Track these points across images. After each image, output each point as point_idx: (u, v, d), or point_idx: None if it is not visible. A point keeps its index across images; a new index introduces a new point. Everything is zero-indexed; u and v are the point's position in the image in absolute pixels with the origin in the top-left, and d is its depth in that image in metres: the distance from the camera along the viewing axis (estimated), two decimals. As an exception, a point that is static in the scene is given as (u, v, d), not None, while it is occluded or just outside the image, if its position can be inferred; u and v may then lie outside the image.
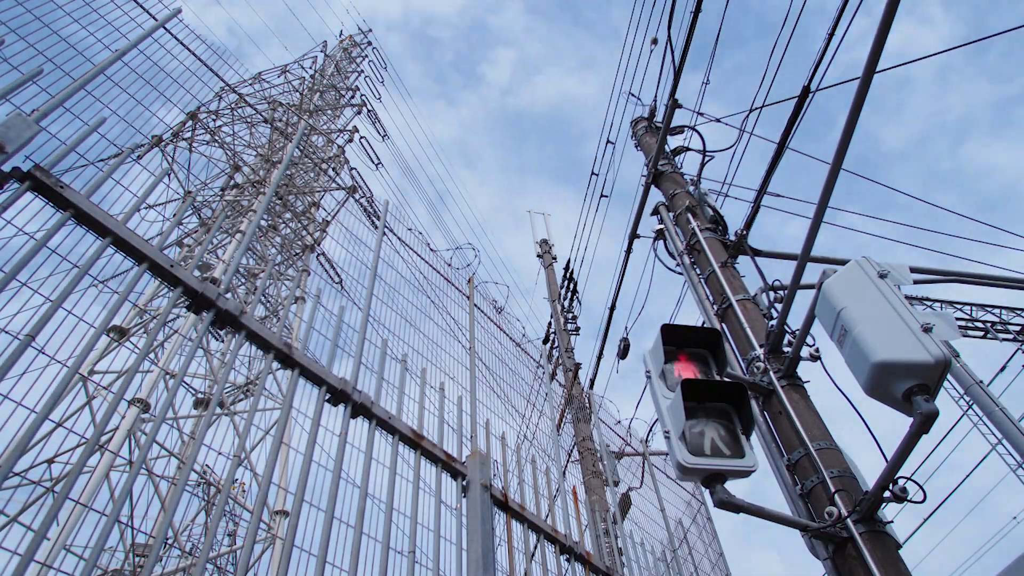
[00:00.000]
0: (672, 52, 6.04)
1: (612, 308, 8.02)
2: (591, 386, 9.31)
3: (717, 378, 3.81)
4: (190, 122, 12.43)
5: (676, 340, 3.92)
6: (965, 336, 11.14)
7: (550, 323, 11.10)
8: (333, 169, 15.53)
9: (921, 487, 2.93)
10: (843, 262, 3.37)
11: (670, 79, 6.21)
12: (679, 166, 6.53)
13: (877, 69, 3.08)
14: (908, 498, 2.93)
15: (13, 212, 1.95)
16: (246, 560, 2.32)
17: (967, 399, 8.20)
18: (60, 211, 2.07)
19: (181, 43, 8.08)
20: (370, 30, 26.13)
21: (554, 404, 9.33)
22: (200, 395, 10.79)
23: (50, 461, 8.41)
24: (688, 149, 6.62)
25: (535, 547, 3.38)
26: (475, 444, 3.51)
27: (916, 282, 4.76)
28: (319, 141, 17.01)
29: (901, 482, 2.94)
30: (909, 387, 2.71)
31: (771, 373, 4.06)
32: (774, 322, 4.11)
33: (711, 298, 5.02)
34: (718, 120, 6.50)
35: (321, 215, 14.89)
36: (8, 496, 7.70)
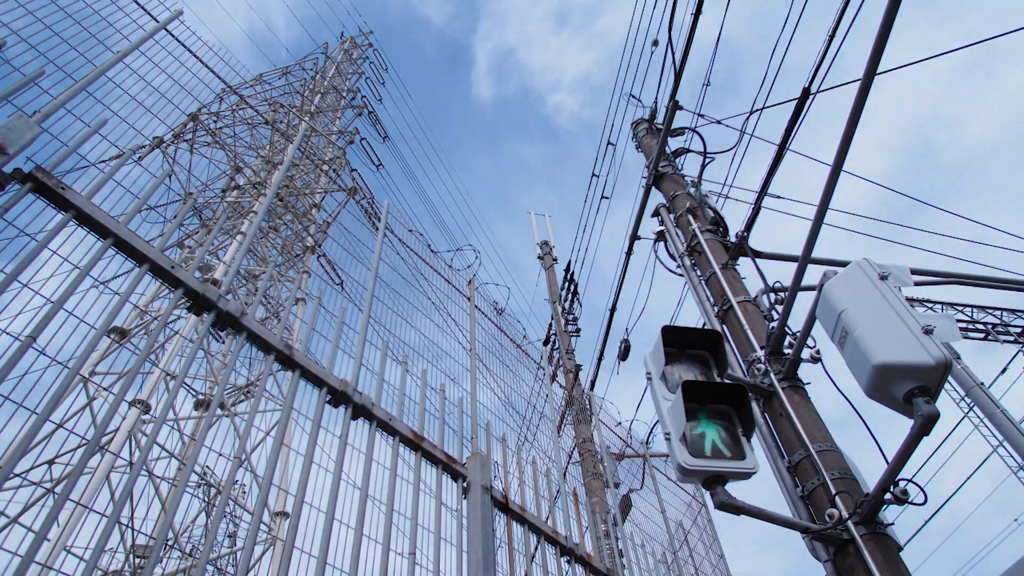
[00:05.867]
0: (673, 54, 6.04)
1: (612, 310, 8.02)
2: (591, 388, 9.31)
3: (718, 380, 3.81)
4: (191, 123, 12.44)
5: (677, 342, 3.91)
6: (966, 338, 11.14)
7: (551, 324, 11.10)
8: (334, 170, 15.54)
9: (922, 489, 2.93)
10: (844, 264, 3.37)
11: (671, 81, 6.21)
12: (680, 168, 6.53)
13: (877, 71, 3.08)
14: (909, 500, 2.93)
15: (14, 213, 1.95)
16: (246, 562, 2.32)
17: (968, 401, 8.19)
18: (61, 212, 2.07)
19: (183, 44, 8.10)
20: (371, 32, 26.19)
21: (555, 406, 9.33)
22: (201, 396, 10.79)
23: (51, 462, 8.41)
24: (689, 151, 6.62)
25: (536, 549, 3.38)
26: (476, 445, 3.51)
27: (917, 284, 4.76)
28: (320, 142, 17.02)
29: (902, 484, 2.94)
30: (910, 389, 2.71)
31: (772, 375, 4.06)
32: (775, 324, 4.11)
33: (712, 299, 5.02)
34: (719, 122, 6.50)
35: (322, 216, 14.91)
36: (9, 497, 7.71)
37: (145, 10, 6.43)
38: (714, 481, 3.26)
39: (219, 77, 9.34)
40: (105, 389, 9.32)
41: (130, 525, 8.13)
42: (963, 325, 11.34)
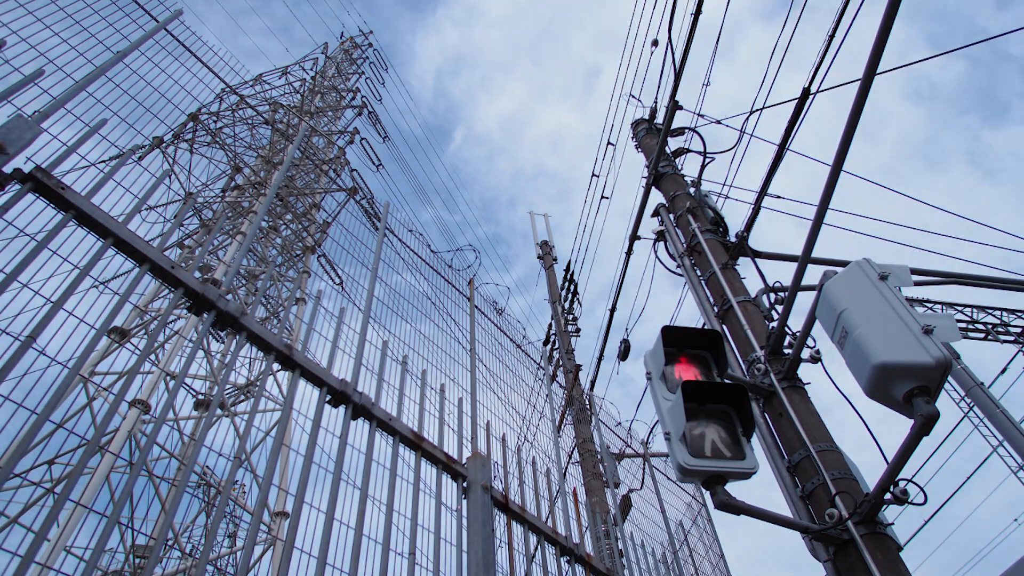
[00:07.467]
0: (672, 54, 6.04)
1: (612, 310, 8.02)
2: (591, 388, 9.31)
3: (718, 380, 3.81)
4: (191, 123, 12.44)
5: (677, 342, 3.91)
6: (966, 338, 11.13)
7: (551, 324, 11.09)
8: (334, 170, 15.54)
9: (922, 489, 2.93)
10: (844, 263, 3.37)
11: (671, 81, 6.21)
12: (680, 168, 6.53)
13: (877, 71, 3.08)
14: (909, 500, 2.93)
15: (14, 213, 1.95)
16: (246, 562, 2.32)
17: (968, 401, 8.19)
18: (61, 212, 2.07)
19: (182, 44, 8.09)
20: (371, 31, 26.22)
21: (554, 405, 9.33)
22: (201, 396, 10.79)
23: (51, 462, 8.42)
24: (689, 151, 6.62)
25: (535, 549, 3.38)
26: (475, 445, 3.50)
27: (917, 283, 4.76)
28: (320, 142, 17.02)
29: (902, 484, 2.94)
30: (910, 389, 2.71)
31: (772, 375, 4.06)
32: (775, 324, 4.11)
33: (712, 300, 5.02)
34: (718, 122, 6.50)
35: (322, 216, 14.92)
36: (9, 497, 7.71)
37: (145, 10, 6.43)
38: (714, 481, 3.26)
39: (219, 77, 9.33)
40: (105, 389, 9.33)
41: (130, 525, 8.14)
42: (963, 325, 11.34)
